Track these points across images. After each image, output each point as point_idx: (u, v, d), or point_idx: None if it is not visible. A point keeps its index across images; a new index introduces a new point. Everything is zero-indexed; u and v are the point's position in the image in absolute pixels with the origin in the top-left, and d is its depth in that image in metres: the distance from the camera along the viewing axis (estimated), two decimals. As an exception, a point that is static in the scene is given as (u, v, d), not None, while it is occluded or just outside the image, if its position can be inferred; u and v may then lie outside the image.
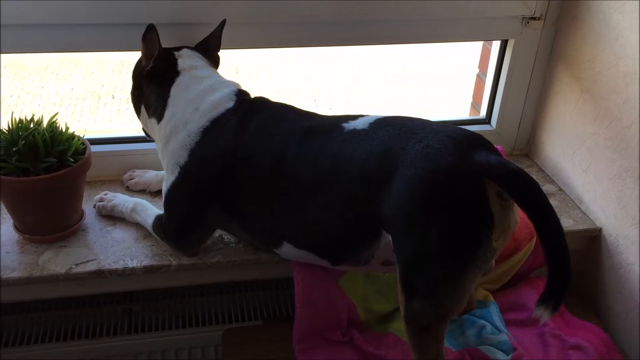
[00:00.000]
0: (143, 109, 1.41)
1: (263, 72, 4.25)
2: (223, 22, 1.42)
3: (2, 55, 1.43)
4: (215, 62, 1.45)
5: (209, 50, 1.44)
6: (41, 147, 1.29)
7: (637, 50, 1.40)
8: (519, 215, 1.14)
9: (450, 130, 1.14)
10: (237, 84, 1.39)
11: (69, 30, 1.41)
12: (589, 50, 1.56)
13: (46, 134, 1.31)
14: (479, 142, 1.14)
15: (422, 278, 1.11)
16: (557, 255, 1.06)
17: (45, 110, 3.99)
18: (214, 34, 1.43)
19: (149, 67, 1.35)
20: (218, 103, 1.32)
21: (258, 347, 1.41)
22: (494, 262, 1.31)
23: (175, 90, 1.35)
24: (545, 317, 1.07)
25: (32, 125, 1.33)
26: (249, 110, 1.32)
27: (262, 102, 1.36)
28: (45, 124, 1.35)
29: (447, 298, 1.12)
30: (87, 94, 4.22)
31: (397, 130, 1.17)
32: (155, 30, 1.30)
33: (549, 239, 1.06)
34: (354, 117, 1.26)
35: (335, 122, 1.26)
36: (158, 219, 1.40)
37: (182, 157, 1.31)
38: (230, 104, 1.32)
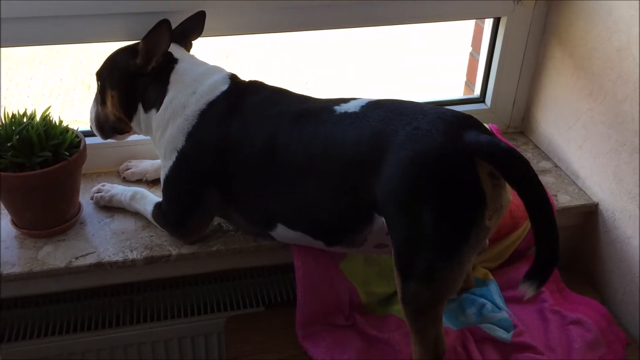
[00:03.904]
0: (140, 107, 1.37)
1: (254, 57, 4.22)
2: (202, 14, 1.40)
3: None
4: (188, 51, 1.45)
5: (184, 40, 1.42)
6: (35, 141, 1.28)
7: (630, 25, 1.40)
8: (512, 193, 1.15)
9: (441, 112, 1.14)
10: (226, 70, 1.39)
11: (64, 22, 1.39)
12: (581, 26, 1.56)
13: (40, 128, 1.30)
14: (469, 122, 1.14)
15: (417, 260, 1.12)
16: (546, 234, 1.07)
17: (35, 101, 3.96)
18: (189, 25, 1.41)
19: (155, 64, 1.33)
20: (215, 86, 1.32)
21: (261, 333, 1.42)
22: (487, 241, 1.31)
23: (174, 77, 1.34)
24: (529, 293, 1.09)
25: (25, 120, 1.33)
26: (243, 93, 1.32)
27: (256, 85, 1.36)
28: (38, 117, 1.34)
29: (443, 279, 1.13)
30: (76, 83, 4.18)
31: (387, 113, 1.17)
32: (169, 25, 1.29)
33: (538, 218, 1.07)
34: (346, 100, 1.26)
35: (327, 105, 1.26)
36: (157, 206, 1.40)
37: (180, 142, 1.31)
38: (225, 87, 1.33)
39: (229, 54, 4.03)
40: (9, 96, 4.06)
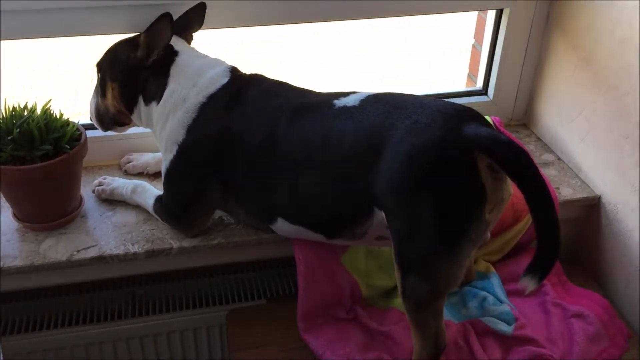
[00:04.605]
0: (140, 99, 1.37)
1: (259, 49, 4.21)
2: (203, 6, 1.40)
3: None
4: (189, 43, 1.44)
5: (185, 33, 1.42)
6: (36, 134, 1.28)
7: (633, 16, 1.39)
8: (513, 186, 1.14)
9: (440, 105, 1.14)
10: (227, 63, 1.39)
11: (65, 15, 1.39)
12: (584, 17, 1.55)
13: (40, 121, 1.30)
14: (468, 115, 1.13)
15: (417, 255, 1.11)
16: (547, 227, 1.06)
17: (39, 93, 3.95)
18: (190, 17, 1.41)
19: (156, 57, 1.32)
20: (215, 79, 1.32)
21: (262, 326, 1.42)
22: (488, 234, 1.31)
23: (175, 70, 1.34)
24: (530, 287, 1.08)
25: (26, 113, 1.33)
26: (244, 87, 1.32)
27: (257, 78, 1.36)
28: (39, 110, 1.34)
29: (443, 273, 1.13)
30: (80, 76, 4.18)
31: (386, 107, 1.16)
32: (171, 19, 1.29)
33: (539, 211, 1.06)
34: (345, 94, 1.25)
35: (326, 99, 1.25)
36: (158, 199, 1.40)
37: (180, 135, 1.31)
38: (225, 80, 1.32)
39: (234, 46, 4.02)
40: (12, 89, 4.06)
